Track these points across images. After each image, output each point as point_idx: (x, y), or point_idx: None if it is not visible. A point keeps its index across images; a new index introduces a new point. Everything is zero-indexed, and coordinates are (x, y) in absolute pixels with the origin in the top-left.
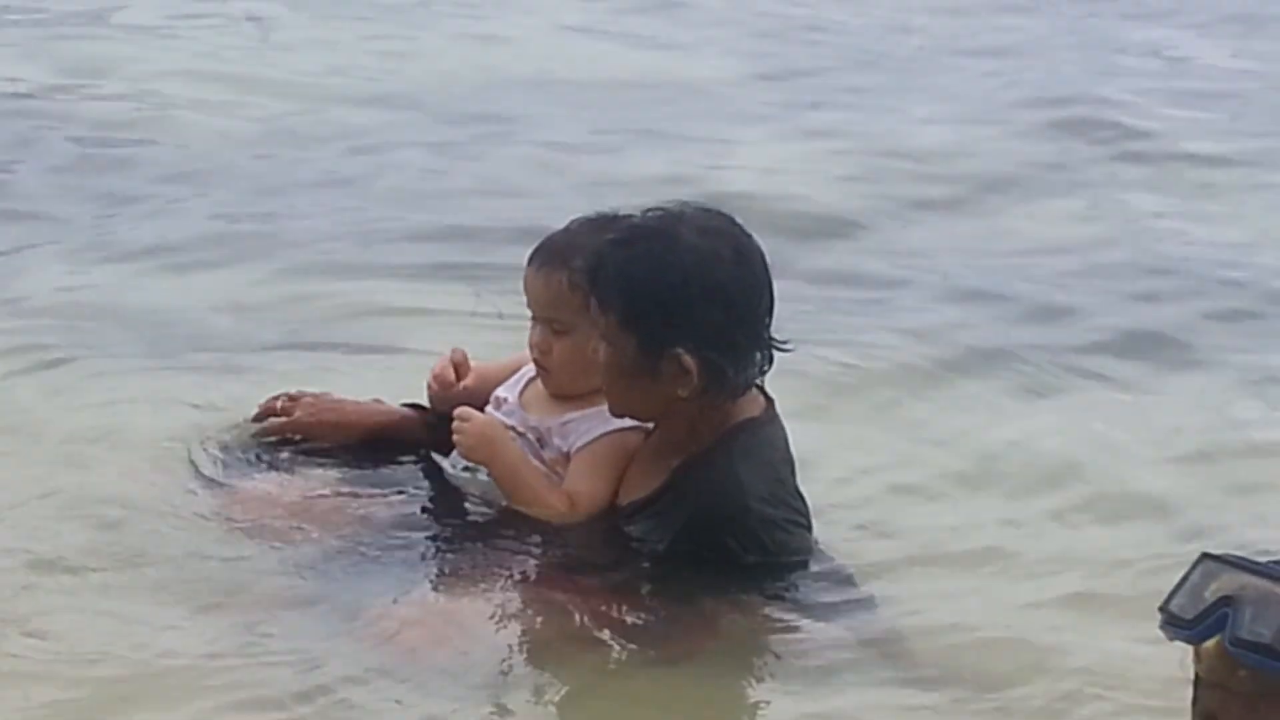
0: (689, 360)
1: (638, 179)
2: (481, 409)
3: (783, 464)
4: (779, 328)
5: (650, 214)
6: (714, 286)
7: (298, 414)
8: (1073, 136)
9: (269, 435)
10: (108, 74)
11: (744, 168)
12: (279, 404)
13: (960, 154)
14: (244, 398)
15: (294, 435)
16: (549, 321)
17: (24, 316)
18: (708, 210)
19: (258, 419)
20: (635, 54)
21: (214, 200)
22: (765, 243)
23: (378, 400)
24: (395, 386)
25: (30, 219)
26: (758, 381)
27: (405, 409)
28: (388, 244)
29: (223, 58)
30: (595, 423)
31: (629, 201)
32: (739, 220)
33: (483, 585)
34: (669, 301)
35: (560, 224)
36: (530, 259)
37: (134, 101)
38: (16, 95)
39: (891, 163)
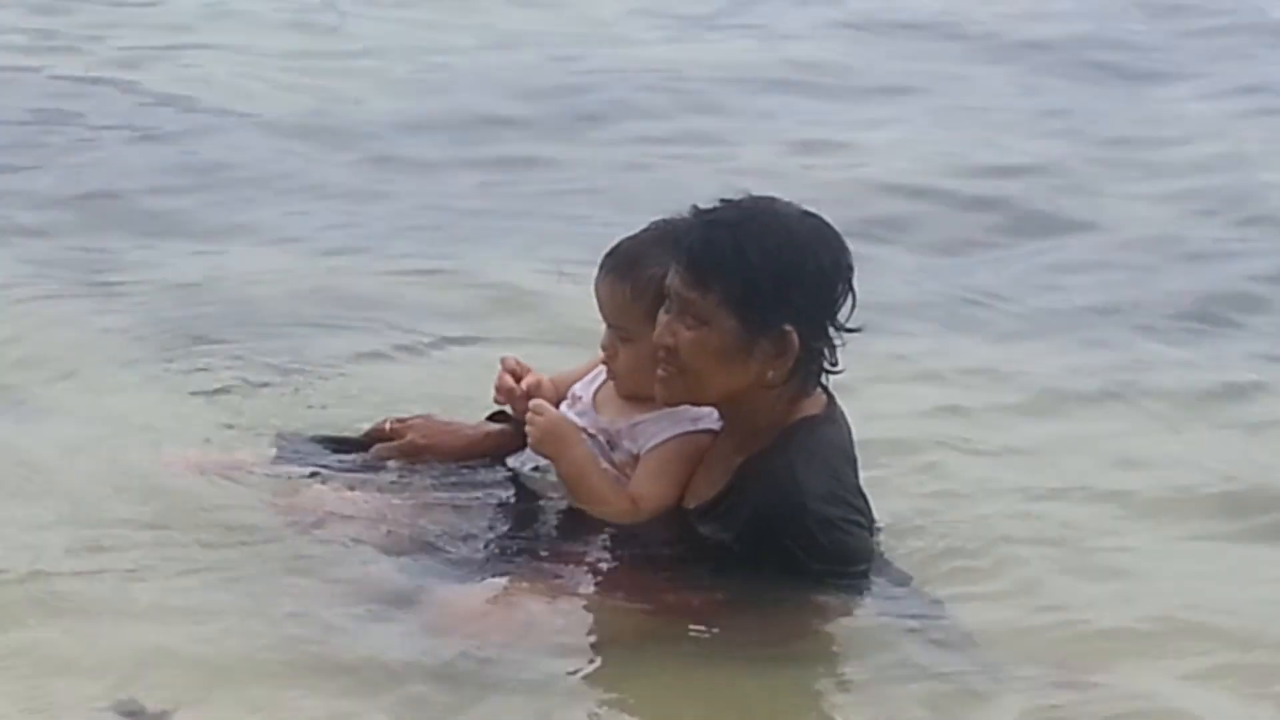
0: (794, 338)
1: None
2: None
3: (843, 462)
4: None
5: (743, 200)
6: (820, 268)
7: (409, 436)
8: None
9: (382, 459)
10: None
11: None
12: (388, 426)
13: None
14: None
15: (405, 459)
16: (615, 328)
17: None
18: (787, 200)
19: (368, 442)
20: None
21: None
22: None
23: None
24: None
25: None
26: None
27: (500, 425)
28: None
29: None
30: (665, 425)
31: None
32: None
33: (550, 580)
34: (783, 278)
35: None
36: (601, 265)
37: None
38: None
39: None
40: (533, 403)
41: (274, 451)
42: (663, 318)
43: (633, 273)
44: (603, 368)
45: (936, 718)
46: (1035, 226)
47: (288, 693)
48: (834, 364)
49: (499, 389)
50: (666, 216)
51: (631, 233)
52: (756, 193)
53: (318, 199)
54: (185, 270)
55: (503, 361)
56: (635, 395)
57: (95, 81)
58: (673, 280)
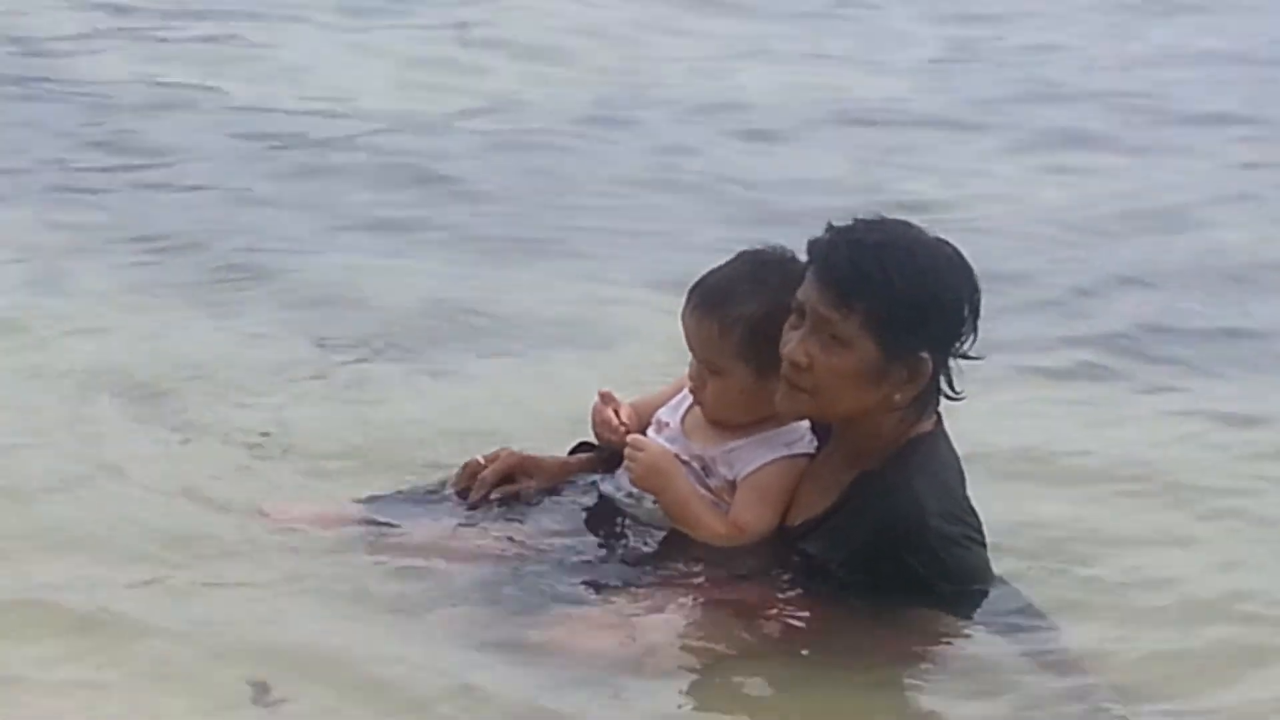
0: (929, 364)
1: None
2: (643, 432)
3: (956, 481)
4: None
5: (881, 221)
6: (957, 296)
7: (497, 468)
8: None
9: (486, 487)
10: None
11: None
12: (481, 459)
13: None
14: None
15: (506, 481)
16: (703, 361)
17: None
18: (923, 227)
19: (461, 483)
20: None
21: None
22: None
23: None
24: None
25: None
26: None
27: (586, 453)
28: None
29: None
30: (760, 450)
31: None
32: None
33: (657, 602)
34: (926, 304)
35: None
36: (688, 298)
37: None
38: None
39: None
40: (631, 438)
41: (367, 505)
42: (791, 334)
43: (721, 309)
44: (686, 391)
45: None
46: None
47: (396, 707)
48: (956, 391)
49: (601, 423)
50: (754, 247)
51: (718, 264)
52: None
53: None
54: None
55: (600, 395)
56: (726, 423)
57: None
58: (809, 297)
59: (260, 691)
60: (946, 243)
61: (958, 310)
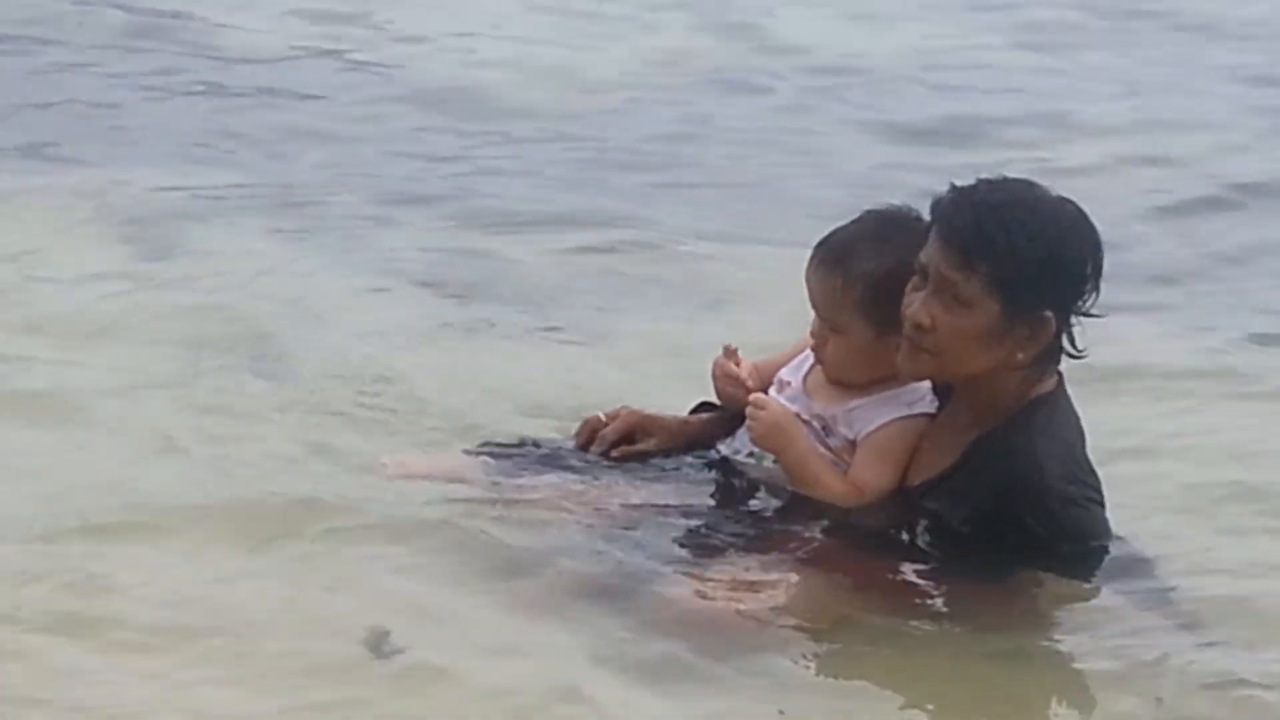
0: (1053, 323)
1: None
2: (765, 391)
3: (1077, 440)
4: None
5: (1005, 181)
6: (1080, 255)
7: (618, 426)
8: None
9: (607, 445)
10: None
11: None
12: (603, 416)
13: None
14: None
15: (626, 440)
16: (825, 318)
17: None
18: (1046, 186)
19: (581, 439)
20: None
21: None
22: None
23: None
24: None
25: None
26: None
27: (706, 413)
28: None
29: None
30: (881, 409)
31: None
32: None
33: (777, 563)
34: (1049, 263)
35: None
36: (812, 255)
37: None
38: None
39: None
40: (754, 397)
41: (487, 460)
42: (914, 295)
43: (844, 265)
44: (808, 351)
45: (1171, 705)
46: None
47: (513, 663)
48: (1079, 349)
49: (725, 375)
50: (878, 207)
51: (844, 222)
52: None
53: None
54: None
55: (725, 349)
56: (846, 382)
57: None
58: (932, 258)
59: (378, 639)
60: (1069, 201)
61: (1080, 269)
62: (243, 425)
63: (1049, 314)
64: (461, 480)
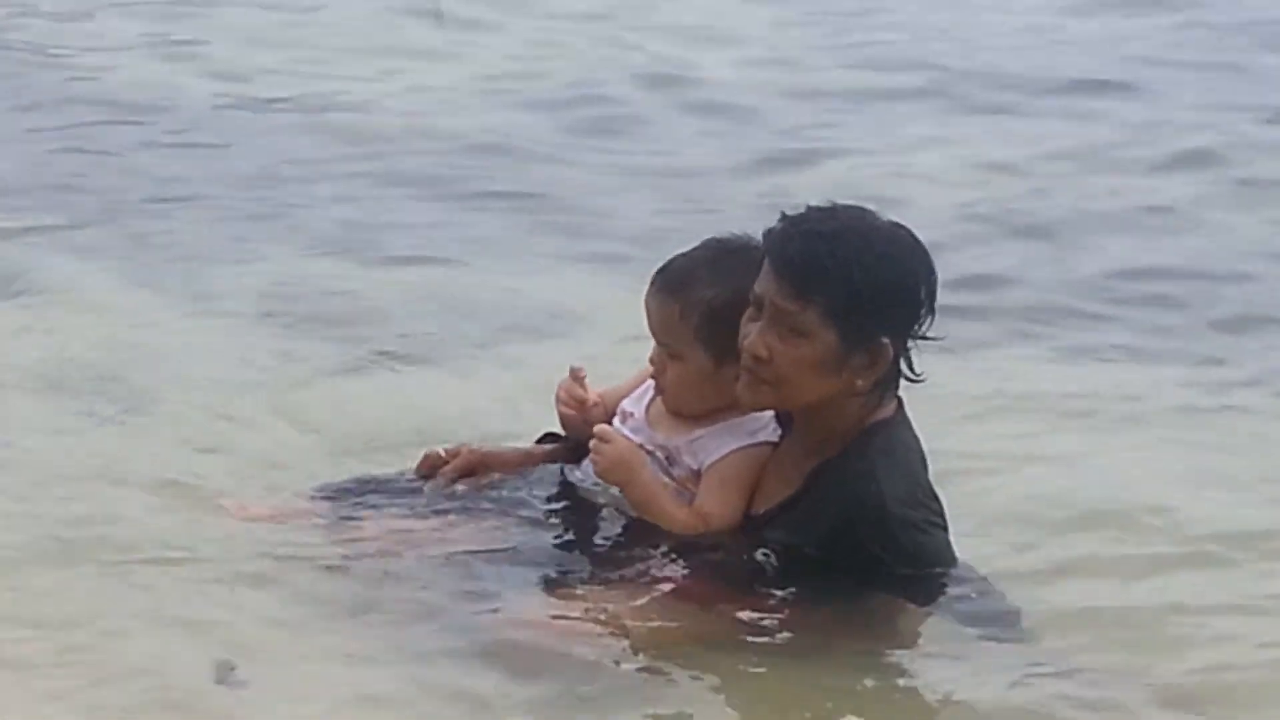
0: (890, 349)
1: None
2: (609, 422)
3: (918, 464)
4: None
5: (835, 209)
6: (916, 281)
7: (458, 465)
8: None
9: (446, 481)
10: None
11: None
12: (443, 451)
13: None
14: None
15: (467, 476)
16: (663, 344)
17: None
18: (871, 210)
19: (421, 473)
20: None
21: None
22: None
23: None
24: None
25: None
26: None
27: (549, 445)
28: None
29: None
30: (724, 439)
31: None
32: None
33: (618, 588)
34: (884, 292)
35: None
36: (652, 281)
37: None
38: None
39: None
40: (598, 429)
41: (326, 504)
42: (750, 326)
43: (682, 292)
44: (651, 382)
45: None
46: None
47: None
48: (916, 373)
49: (570, 399)
50: (719, 235)
51: (684, 250)
52: (843, 201)
53: None
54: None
55: (571, 370)
56: (686, 411)
57: None
58: (766, 289)
59: (225, 670)
60: (901, 226)
61: (915, 294)
62: (86, 463)
63: (885, 341)
64: (302, 517)
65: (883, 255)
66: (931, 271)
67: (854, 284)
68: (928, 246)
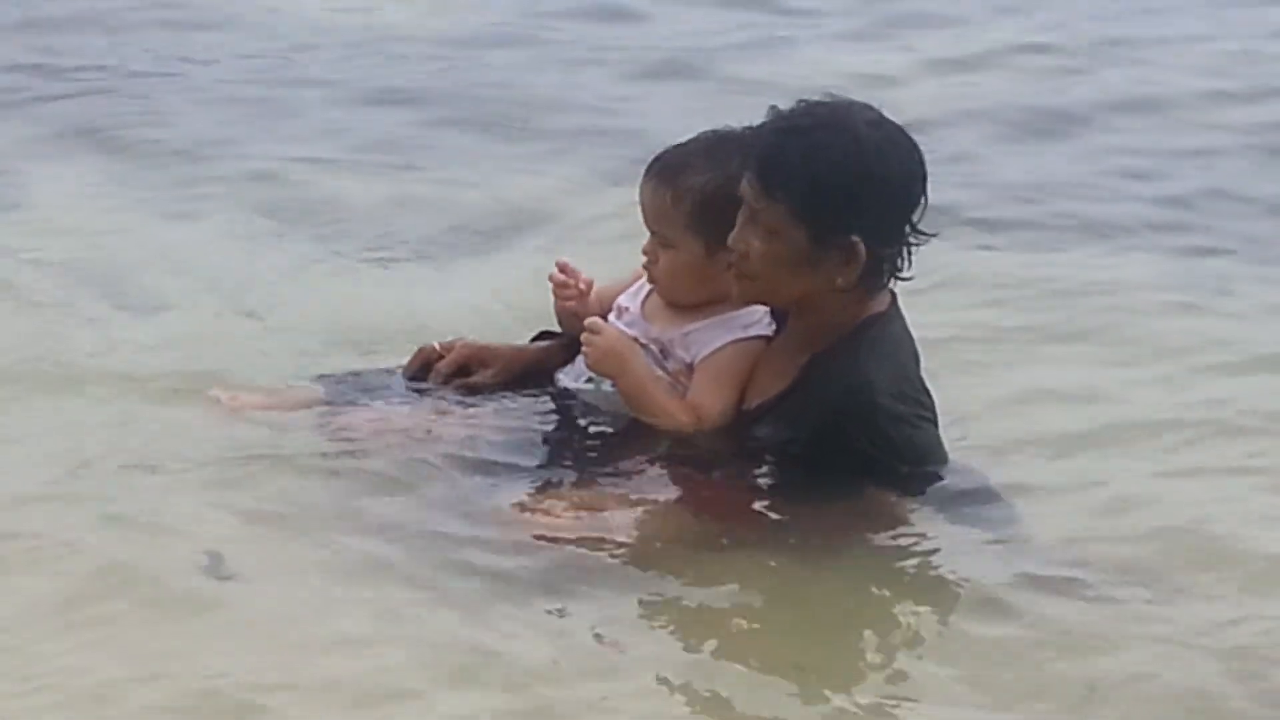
0: (860, 246)
1: None
2: (604, 318)
3: (909, 359)
4: None
5: (816, 105)
6: (888, 177)
7: (453, 358)
8: None
9: (442, 376)
10: None
11: None
12: (437, 345)
13: None
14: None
15: (462, 372)
16: (656, 234)
17: None
18: (865, 104)
19: (412, 368)
20: None
21: None
22: None
23: (540, 335)
24: None
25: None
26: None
27: (545, 341)
28: None
29: None
30: (718, 333)
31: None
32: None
33: (617, 486)
34: (851, 189)
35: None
36: (645, 170)
37: None
38: None
39: None
40: (589, 321)
41: (319, 389)
42: (739, 223)
43: (675, 180)
44: (646, 277)
45: (982, 617)
46: None
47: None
48: (903, 269)
49: (560, 288)
50: (716, 127)
51: (680, 140)
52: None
53: None
54: None
55: (559, 265)
56: (678, 302)
57: None
58: (744, 188)
59: (215, 562)
60: (886, 121)
61: (887, 191)
62: (83, 362)
63: (855, 239)
64: (294, 408)
65: (850, 151)
66: (909, 169)
67: (819, 182)
68: None
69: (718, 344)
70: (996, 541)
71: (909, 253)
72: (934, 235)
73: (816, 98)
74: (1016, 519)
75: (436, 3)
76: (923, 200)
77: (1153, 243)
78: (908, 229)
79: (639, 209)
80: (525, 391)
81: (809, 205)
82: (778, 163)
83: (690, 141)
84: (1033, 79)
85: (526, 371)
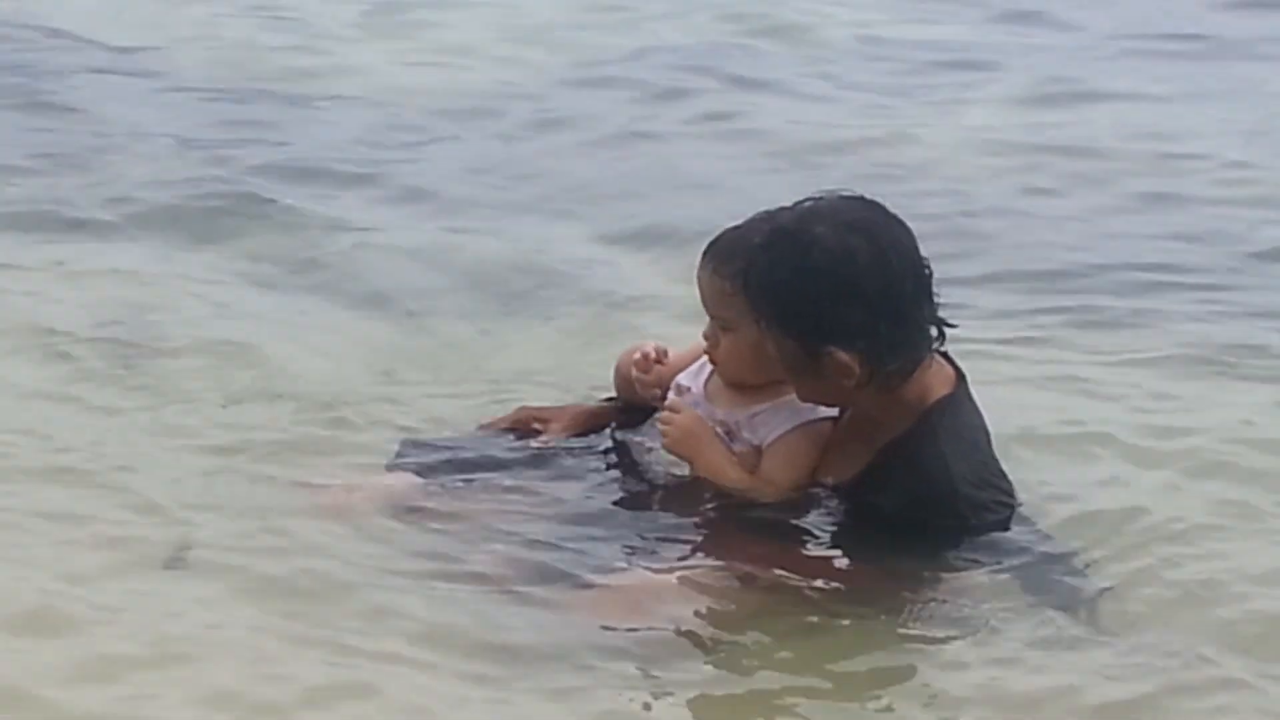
0: (843, 357)
1: None
2: (663, 397)
3: (985, 442)
4: None
5: (792, 211)
6: (848, 284)
7: (510, 416)
8: None
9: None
10: None
11: None
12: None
13: None
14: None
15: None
16: (716, 318)
17: None
18: (849, 199)
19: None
20: None
21: None
22: None
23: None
24: None
25: None
26: (942, 355)
27: (602, 405)
28: None
29: None
30: (785, 415)
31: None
32: (883, 205)
33: (682, 557)
34: (810, 304)
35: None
36: (703, 255)
37: None
38: None
39: None
40: (670, 401)
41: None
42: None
43: (733, 265)
44: (705, 358)
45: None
46: None
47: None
48: (932, 350)
49: (642, 360)
50: (770, 209)
51: (735, 224)
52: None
53: None
54: None
55: (655, 347)
56: (741, 383)
57: None
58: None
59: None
60: (859, 225)
61: (853, 301)
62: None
63: (833, 349)
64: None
65: (804, 268)
66: (877, 273)
67: (778, 297)
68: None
69: (786, 427)
70: (1073, 635)
71: (926, 337)
72: (953, 323)
73: (810, 197)
74: (1087, 592)
75: None
76: (909, 291)
77: None
78: (894, 324)
79: (698, 293)
80: (593, 454)
81: (782, 320)
82: (750, 281)
83: (745, 224)
84: None
85: (588, 427)
